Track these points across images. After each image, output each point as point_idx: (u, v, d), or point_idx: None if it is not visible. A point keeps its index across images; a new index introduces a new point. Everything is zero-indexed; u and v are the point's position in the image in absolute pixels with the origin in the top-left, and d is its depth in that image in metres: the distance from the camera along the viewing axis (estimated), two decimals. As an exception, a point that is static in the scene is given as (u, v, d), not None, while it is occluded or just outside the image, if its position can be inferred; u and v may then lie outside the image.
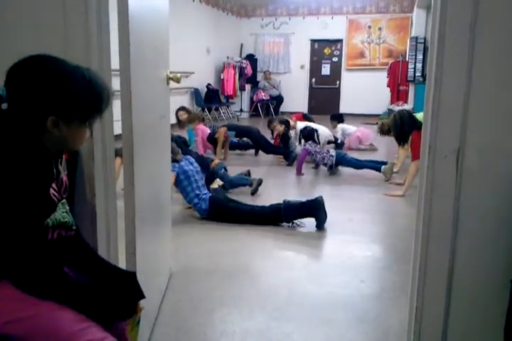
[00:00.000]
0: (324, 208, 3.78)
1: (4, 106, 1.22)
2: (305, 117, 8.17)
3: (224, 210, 3.94)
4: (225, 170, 5.21)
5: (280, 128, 6.75)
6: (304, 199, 3.90)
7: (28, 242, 1.17)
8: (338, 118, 8.16)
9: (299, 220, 3.83)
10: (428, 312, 1.64)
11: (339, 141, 7.47)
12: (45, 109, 1.19)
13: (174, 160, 3.78)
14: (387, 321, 2.34)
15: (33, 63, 1.22)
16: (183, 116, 6.76)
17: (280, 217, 3.79)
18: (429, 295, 1.62)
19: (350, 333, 2.24)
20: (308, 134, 6.32)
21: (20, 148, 1.17)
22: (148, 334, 2.10)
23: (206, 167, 4.78)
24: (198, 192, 3.99)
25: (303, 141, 6.41)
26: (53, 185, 1.25)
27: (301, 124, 6.91)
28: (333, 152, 6.00)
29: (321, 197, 3.85)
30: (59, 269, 1.22)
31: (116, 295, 1.29)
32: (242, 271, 2.94)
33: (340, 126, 7.91)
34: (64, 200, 1.33)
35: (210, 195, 4.05)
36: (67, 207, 1.35)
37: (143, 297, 1.40)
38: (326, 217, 3.78)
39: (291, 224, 3.80)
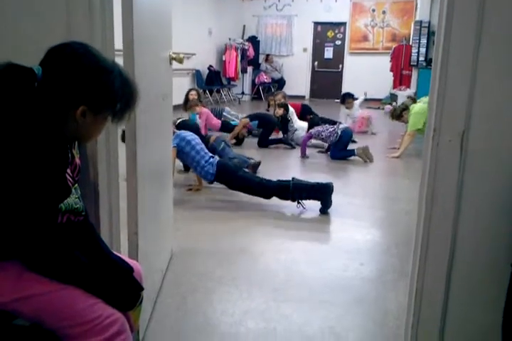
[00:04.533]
0: (332, 194, 3.79)
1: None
2: (303, 110, 7.79)
3: (232, 176, 3.94)
4: (227, 145, 5.16)
5: (280, 111, 6.78)
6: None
7: (41, 224, 1.17)
8: (352, 95, 7.86)
9: (303, 202, 3.83)
10: (428, 293, 1.65)
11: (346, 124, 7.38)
12: (79, 98, 1.21)
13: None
14: (386, 303, 2.36)
15: (77, 52, 1.22)
16: (193, 96, 6.79)
17: (287, 194, 3.78)
18: (429, 276, 1.63)
19: (350, 315, 2.26)
20: (314, 123, 6.42)
21: (39, 132, 1.16)
22: (149, 314, 2.12)
23: (205, 144, 4.76)
24: (203, 154, 3.99)
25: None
26: (68, 171, 1.25)
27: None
28: (340, 129, 5.97)
29: (332, 183, 3.85)
30: (69, 251, 1.23)
31: (114, 289, 1.30)
32: (242, 253, 2.96)
33: (356, 102, 7.73)
34: (76, 185, 1.34)
35: (218, 159, 4.04)
36: (79, 192, 1.36)
37: (141, 289, 1.40)
38: (331, 202, 3.79)
39: (297, 203, 3.79)
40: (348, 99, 7.79)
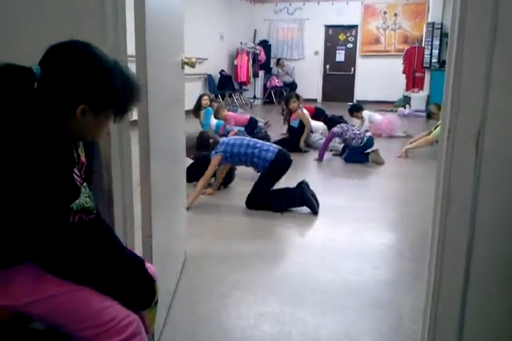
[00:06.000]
0: (308, 193, 3.78)
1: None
2: (317, 113, 7.58)
3: (282, 170, 3.92)
4: None
5: (294, 104, 6.43)
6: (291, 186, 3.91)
7: (53, 225, 1.17)
8: (359, 107, 7.49)
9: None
10: (445, 296, 1.62)
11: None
12: (79, 98, 1.19)
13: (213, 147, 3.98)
14: (401, 307, 2.33)
15: (77, 50, 1.22)
16: (206, 101, 6.84)
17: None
18: (446, 279, 1.61)
19: (365, 318, 2.24)
20: (336, 121, 6.31)
21: (40, 132, 1.16)
22: (163, 318, 2.12)
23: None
24: (252, 143, 3.96)
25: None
26: (75, 170, 1.25)
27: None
28: (366, 136, 5.78)
29: (303, 181, 3.87)
30: (82, 250, 1.23)
31: (128, 284, 1.31)
32: (256, 257, 2.95)
33: (365, 112, 7.42)
34: (85, 183, 1.33)
35: (279, 147, 4.02)
36: (89, 190, 1.35)
37: (153, 281, 1.40)
38: (313, 200, 3.77)
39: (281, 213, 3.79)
40: (355, 112, 7.33)
